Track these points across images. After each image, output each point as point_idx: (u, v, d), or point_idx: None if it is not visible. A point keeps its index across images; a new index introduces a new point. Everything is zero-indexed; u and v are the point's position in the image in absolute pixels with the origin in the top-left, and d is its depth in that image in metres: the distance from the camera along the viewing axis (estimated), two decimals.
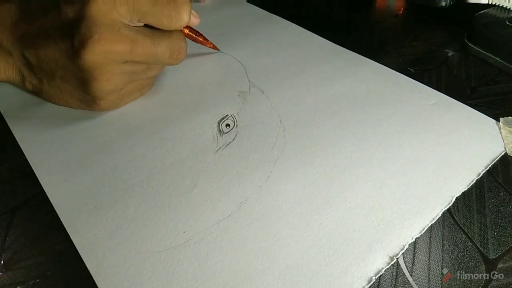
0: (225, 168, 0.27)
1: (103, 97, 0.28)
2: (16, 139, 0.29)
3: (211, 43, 0.37)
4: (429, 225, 0.23)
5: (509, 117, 0.30)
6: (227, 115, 0.31)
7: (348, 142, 0.28)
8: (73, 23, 0.25)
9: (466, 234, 0.23)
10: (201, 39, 0.35)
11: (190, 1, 0.28)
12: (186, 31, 0.33)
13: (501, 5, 0.39)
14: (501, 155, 0.27)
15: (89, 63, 0.25)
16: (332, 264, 0.21)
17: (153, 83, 0.33)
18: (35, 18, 0.28)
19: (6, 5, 0.29)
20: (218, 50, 0.38)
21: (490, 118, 0.30)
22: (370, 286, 0.20)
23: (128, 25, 0.26)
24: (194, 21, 0.32)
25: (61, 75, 0.28)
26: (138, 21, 0.27)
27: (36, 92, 0.31)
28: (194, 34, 0.34)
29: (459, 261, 0.22)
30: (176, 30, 0.29)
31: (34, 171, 0.27)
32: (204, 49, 0.37)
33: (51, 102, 0.31)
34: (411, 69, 0.36)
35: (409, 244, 0.22)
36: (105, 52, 0.25)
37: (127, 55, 0.26)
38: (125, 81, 0.29)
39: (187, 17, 0.27)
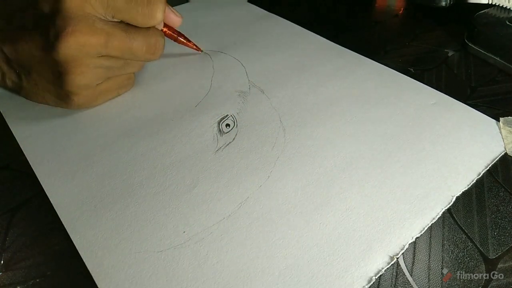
0: (225, 168, 0.27)
1: (78, 92, 0.28)
2: (16, 139, 0.29)
3: (194, 44, 0.36)
4: (429, 225, 0.23)
5: (509, 117, 0.30)
6: (227, 115, 0.31)
7: (348, 142, 0.28)
8: (49, 17, 0.26)
9: (466, 234, 0.23)
10: (182, 39, 0.35)
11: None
12: (165, 29, 0.32)
13: (501, 5, 0.39)
14: (501, 155, 0.27)
15: (63, 56, 0.25)
16: (332, 264, 0.21)
17: (133, 82, 0.33)
18: (12, 13, 0.28)
19: None
20: (201, 51, 0.38)
21: (490, 118, 0.30)
22: (370, 286, 0.20)
23: (103, 19, 0.26)
24: (176, 21, 0.32)
25: (37, 70, 0.28)
26: (113, 17, 0.27)
27: (16, 89, 0.31)
28: (174, 34, 0.34)
29: (459, 261, 0.22)
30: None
31: (34, 171, 0.27)
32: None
33: (30, 99, 0.32)
34: (411, 69, 0.36)
35: (409, 244, 0.22)
36: (79, 45, 0.25)
37: (102, 48, 0.26)
38: (100, 76, 0.29)
39: (161, 15, 0.28)
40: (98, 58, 0.27)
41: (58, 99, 0.30)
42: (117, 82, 0.31)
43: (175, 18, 0.32)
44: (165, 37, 0.32)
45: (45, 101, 0.31)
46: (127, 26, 0.27)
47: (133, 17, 0.27)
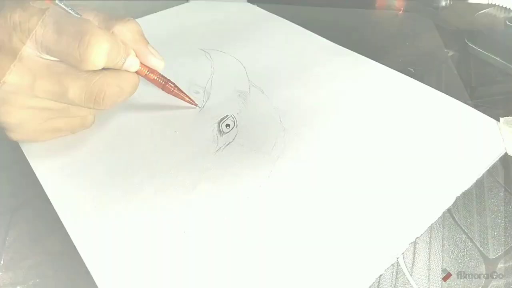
0: (225, 168, 0.27)
1: (10, 129, 0.25)
2: None
3: (188, 97, 0.30)
4: (429, 224, 0.23)
5: (509, 117, 0.30)
6: (227, 115, 0.31)
7: (348, 142, 0.28)
8: None
9: (466, 234, 0.23)
10: (171, 86, 0.28)
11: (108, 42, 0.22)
12: (145, 71, 0.27)
13: (501, 5, 0.39)
14: (501, 155, 0.27)
15: None
16: (332, 264, 0.21)
17: (90, 123, 0.28)
18: None
19: None
20: (197, 106, 0.31)
21: (490, 118, 0.30)
22: (370, 286, 0.20)
23: (37, 56, 0.22)
24: (156, 64, 0.27)
25: None
26: (48, 55, 0.22)
27: None
28: (160, 79, 0.28)
29: (459, 261, 0.22)
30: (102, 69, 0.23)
31: (34, 171, 0.27)
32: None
33: None
34: (411, 69, 0.36)
35: (409, 244, 0.22)
36: None
37: (28, 89, 0.22)
38: (37, 117, 0.25)
39: (100, 60, 0.22)
40: (29, 99, 0.23)
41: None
42: (67, 122, 0.27)
43: (154, 61, 0.26)
44: (153, 84, 0.28)
45: None
46: (66, 68, 0.23)
47: (66, 58, 0.22)
